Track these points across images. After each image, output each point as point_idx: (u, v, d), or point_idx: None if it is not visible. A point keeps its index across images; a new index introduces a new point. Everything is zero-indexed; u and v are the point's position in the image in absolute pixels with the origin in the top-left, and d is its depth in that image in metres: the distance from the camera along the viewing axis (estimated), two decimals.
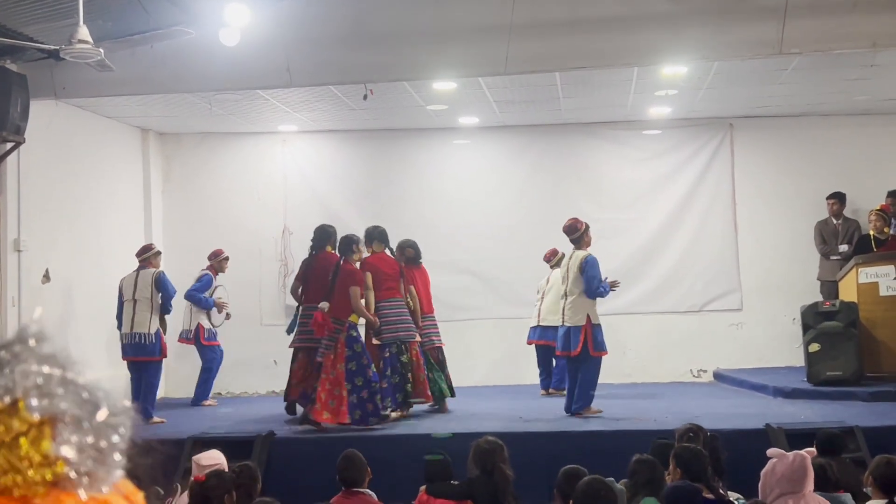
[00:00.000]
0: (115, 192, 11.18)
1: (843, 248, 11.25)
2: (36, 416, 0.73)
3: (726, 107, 11.57)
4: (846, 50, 8.30)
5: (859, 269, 9.81)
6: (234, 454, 6.99)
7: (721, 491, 5.27)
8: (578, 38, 8.28)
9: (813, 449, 5.40)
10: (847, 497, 5.16)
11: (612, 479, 4.99)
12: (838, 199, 11.53)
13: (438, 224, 12.10)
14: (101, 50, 6.63)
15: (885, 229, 10.67)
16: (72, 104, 9.89)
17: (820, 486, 5.13)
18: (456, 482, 5.80)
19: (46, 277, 9.51)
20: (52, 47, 7.02)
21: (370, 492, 5.74)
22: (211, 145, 12.34)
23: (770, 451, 5.04)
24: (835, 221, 11.54)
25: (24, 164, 9.09)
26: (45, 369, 0.75)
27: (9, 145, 8.71)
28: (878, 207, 10.90)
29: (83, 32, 6.46)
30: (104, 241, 10.55)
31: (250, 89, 9.61)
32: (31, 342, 0.76)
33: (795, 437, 7.13)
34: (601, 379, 9.04)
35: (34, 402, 0.73)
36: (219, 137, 12.27)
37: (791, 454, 4.88)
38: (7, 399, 0.73)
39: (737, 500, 5.17)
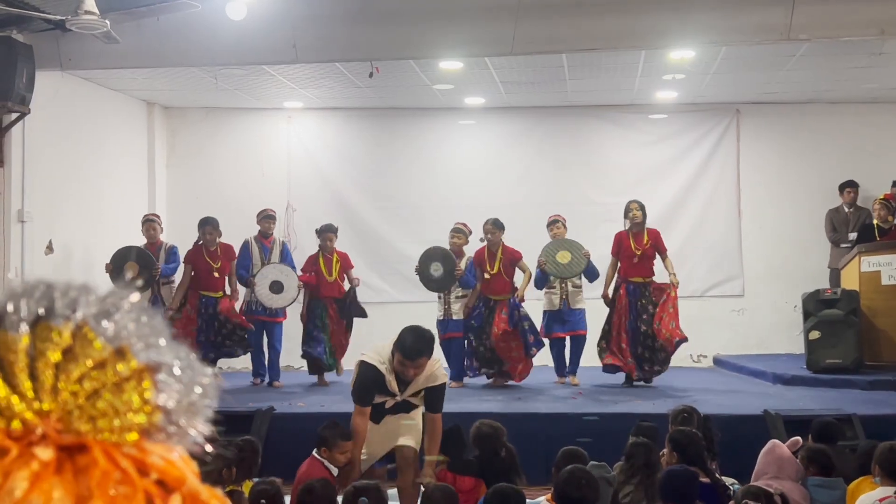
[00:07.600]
0: (119, 165, 11.17)
1: (853, 236, 11.18)
2: (140, 364, 0.75)
3: (733, 92, 11.53)
4: (854, 37, 8.26)
5: (861, 258, 9.79)
6: (234, 429, 7.05)
7: (717, 475, 5.30)
8: (586, 19, 8.24)
9: (798, 438, 5.46)
10: (839, 481, 5.19)
11: (604, 463, 5.01)
12: (854, 187, 11.48)
13: (441, 204, 12.08)
14: (107, 21, 6.62)
15: (889, 218, 10.63)
16: (78, 76, 9.87)
17: (821, 472, 5.21)
18: (474, 459, 5.84)
19: (50, 248, 9.53)
20: (59, 17, 6.99)
21: None
22: (216, 120, 12.32)
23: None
24: (847, 210, 11.49)
25: (29, 134, 9.08)
26: (145, 321, 0.78)
27: (14, 116, 8.70)
28: (882, 196, 10.87)
29: (89, 3, 6.45)
30: (108, 214, 10.55)
31: (256, 65, 9.58)
32: (130, 297, 0.79)
33: (793, 424, 7.14)
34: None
35: (139, 349, 0.75)
36: (224, 112, 12.25)
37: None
38: (114, 344, 0.75)
39: (732, 485, 5.20)
